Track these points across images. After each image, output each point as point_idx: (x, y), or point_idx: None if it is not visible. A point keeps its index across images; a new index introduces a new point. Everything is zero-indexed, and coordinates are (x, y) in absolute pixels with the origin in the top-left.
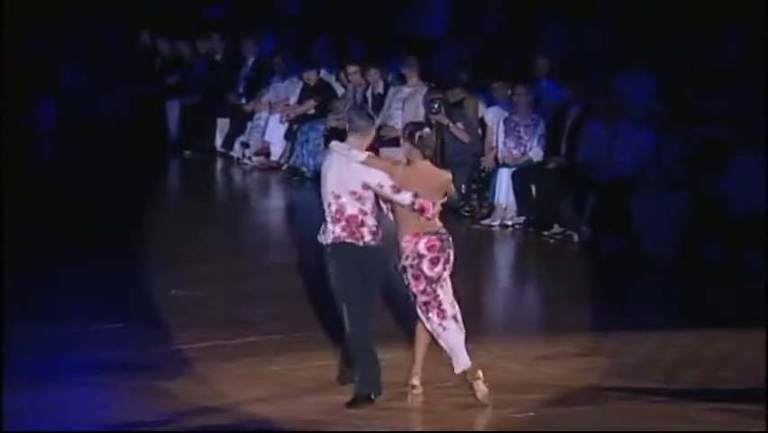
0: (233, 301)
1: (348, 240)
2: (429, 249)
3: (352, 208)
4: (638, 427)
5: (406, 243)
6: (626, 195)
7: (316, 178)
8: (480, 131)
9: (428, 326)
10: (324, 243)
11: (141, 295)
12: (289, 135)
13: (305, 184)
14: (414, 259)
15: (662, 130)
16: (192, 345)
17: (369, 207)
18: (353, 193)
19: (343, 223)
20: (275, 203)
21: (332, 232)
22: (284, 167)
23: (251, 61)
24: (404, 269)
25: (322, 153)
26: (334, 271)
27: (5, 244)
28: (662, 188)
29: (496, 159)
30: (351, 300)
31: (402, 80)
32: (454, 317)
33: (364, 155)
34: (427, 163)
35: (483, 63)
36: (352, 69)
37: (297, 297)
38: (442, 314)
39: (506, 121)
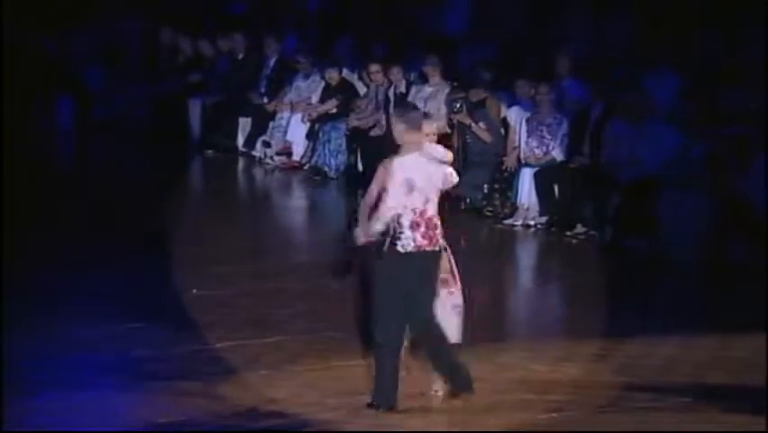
0: (256, 301)
1: (428, 248)
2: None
3: (432, 210)
4: (661, 428)
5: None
6: (650, 195)
7: (338, 177)
8: (502, 130)
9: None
10: (403, 251)
11: (162, 295)
12: (311, 135)
13: (327, 183)
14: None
15: (687, 129)
16: (215, 345)
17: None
18: (438, 192)
19: (423, 229)
20: (297, 202)
21: (412, 240)
22: (306, 166)
23: (272, 60)
24: None
25: (343, 153)
26: (390, 281)
27: (25, 243)
28: (687, 188)
29: (518, 158)
30: (390, 313)
31: (424, 79)
32: None
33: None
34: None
35: (506, 62)
36: (374, 67)
37: (319, 297)
38: None
39: (528, 120)
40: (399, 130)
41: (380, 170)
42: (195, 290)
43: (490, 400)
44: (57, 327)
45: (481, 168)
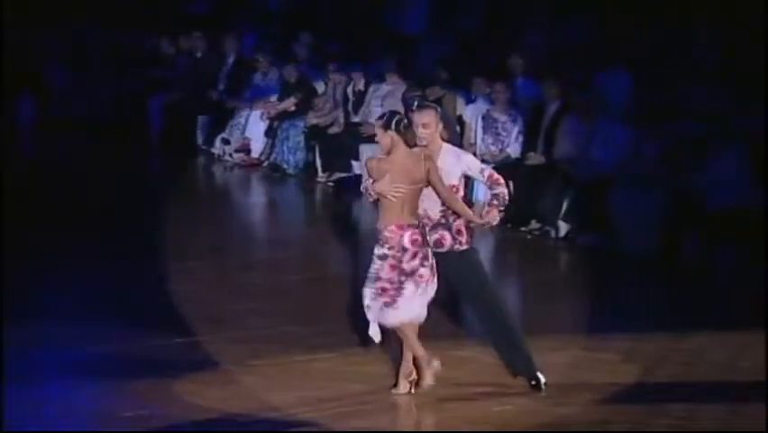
0: (217, 297)
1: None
2: (412, 243)
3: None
4: (613, 420)
5: (391, 233)
6: (604, 191)
7: (297, 174)
8: (458, 128)
9: (369, 303)
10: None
11: (122, 291)
12: (270, 132)
13: (286, 180)
14: (398, 251)
15: (641, 127)
16: (176, 340)
17: None
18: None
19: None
20: (256, 199)
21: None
22: (265, 164)
23: (231, 59)
24: (383, 256)
25: (302, 150)
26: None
27: None
28: (641, 185)
29: (474, 155)
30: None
31: (382, 78)
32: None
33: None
34: (408, 150)
35: (462, 61)
36: (332, 66)
37: (279, 293)
38: (392, 305)
39: (484, 118)
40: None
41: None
42: (158, 287)
43: (445, 393)
44: (18, 324)
45: None
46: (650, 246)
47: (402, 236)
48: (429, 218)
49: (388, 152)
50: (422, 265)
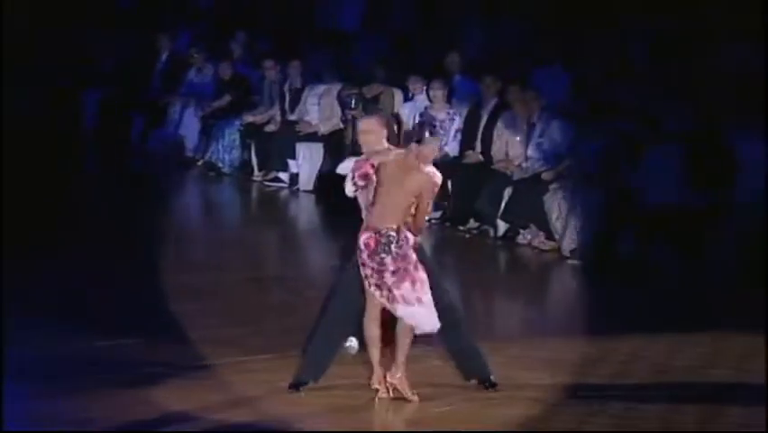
0: (151, 299)
1: None
2: (365, 245)
3: None
4: (551, 420)
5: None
6: (541, 189)
7: (232, 173)
8: (395, 127)
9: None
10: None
11: (51, 293)
12: (205, 130)
13: (221, 179)
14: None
15: (578, 124)
16: (109, 342)
17: None
18: None
19: None
20: (191, 199)
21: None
22: (199, 162)
23: (165, 55)
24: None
25: (237, 149)
26: None
27: None
28: (578, 183)
29: None
30: None
31: (318, 75)
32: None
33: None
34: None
35: (399, 58)
36: (268, 63)
37: (216, 294)
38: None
39: (421, 116)
40: None
41: None
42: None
43: (385, 394)
44: None
45: None
46: (586, 244)
47: (360, 236)
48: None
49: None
50: (372, 273)
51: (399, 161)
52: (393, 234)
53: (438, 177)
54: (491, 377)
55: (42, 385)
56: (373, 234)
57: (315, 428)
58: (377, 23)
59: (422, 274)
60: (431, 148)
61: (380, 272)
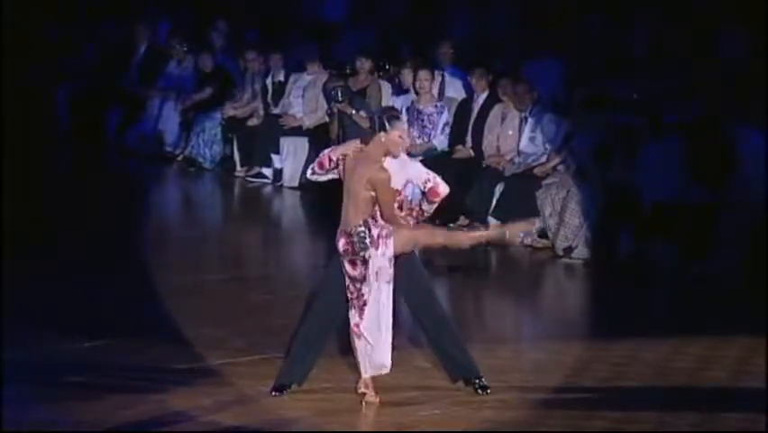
0: (125, 299)
1: None
2: (344, 252)
3: None
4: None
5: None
6: (534, 186)
7: (214, 168)
8: None
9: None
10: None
11: (30, 294)
12: (185, 125)
13: (202, 175)
14: (339, 255)
15: (572, 118)
16: (81, 345)
17: None
18: None
19: None
20: (171, 195)
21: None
22: (179, 158)
23: (143, 47)
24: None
25: (219, 143)
26: None
27: None
28: (572, 178)
29: None
30: None
31: (302, 67)
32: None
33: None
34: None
35: (386, 50)
36: (250, 55)
37: (192, 294)
38: (360, 315)
39: (408, 110)
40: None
41: None
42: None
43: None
44: None
45: None
46: (582, 243)
47: (338, 241)
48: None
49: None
50: (366, 271)
51: (359, 153)
52: (362, 228)
53: (385, 172)
54: (482, 379)
55: (7, 388)
56: (346, 238)
57: (300, 430)
58: (363, 12)
59: (386, 299)
60: (395, 134)
61: (359, 283)
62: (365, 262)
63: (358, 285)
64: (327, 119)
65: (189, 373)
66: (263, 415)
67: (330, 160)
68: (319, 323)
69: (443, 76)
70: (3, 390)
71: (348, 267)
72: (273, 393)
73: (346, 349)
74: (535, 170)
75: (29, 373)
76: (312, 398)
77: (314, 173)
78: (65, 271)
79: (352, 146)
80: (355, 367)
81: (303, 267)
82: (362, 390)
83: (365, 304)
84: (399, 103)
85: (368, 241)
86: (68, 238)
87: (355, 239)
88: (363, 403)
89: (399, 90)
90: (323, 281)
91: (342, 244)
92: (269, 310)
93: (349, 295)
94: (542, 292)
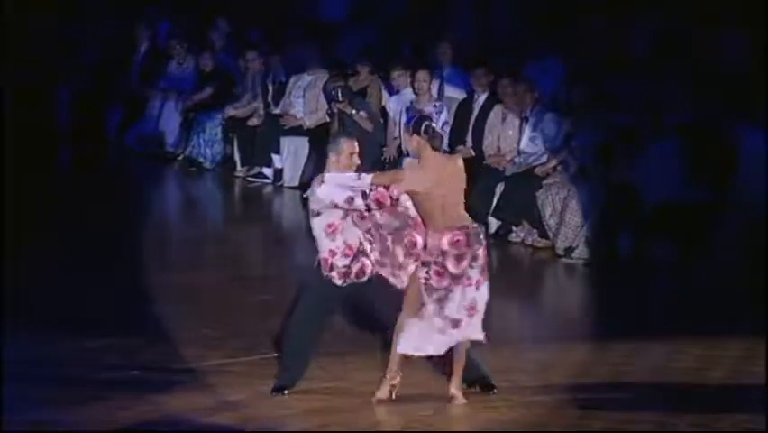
0: (125, 299)
1: None
2: (452, 245)
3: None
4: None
5: (430, 238)
6: (534, 185)
7: (214, 168)
8: (381, 120)
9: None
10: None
11: (30, 294)
12: (185, 125)
13: (202, 175)
14: (438, 256)
15: (572, 118)
16: (86, 344)
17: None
18: None
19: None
20: (172, 195)
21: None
22: (180, 157)
23: (144, 47)
24: (425, 264)
25: (219, 143)
26: None
27: None
28: (573, 178)
29: (399, 149)
30: None
31: (303, 67)
32: (450, 322)
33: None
34: (437, 155)
35: (386, 50)
36: (251, 55)
37: (192, 295)
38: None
39: (407, 110)
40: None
41: None
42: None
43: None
44: None
45: (363, 159)
46: (582, 243)
47: (441, 240)
48: (350, 248)
49: (418, 158)
50: (471, 267)
51: (415, 164)
52: (475, 224)
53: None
54: (491, 381)
55: (25, 388)
56: (453, 234)
57: (300, 430)
58: (363, 12)
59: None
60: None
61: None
62: (475, 256)
63: (455, 281)
64: (328, 119)
65: (189, 373)
66: (263, 415)
67: (391, 198)
68: (308, 322)
69: (443, 75)
70: (3, 390)
71: (450, 264)
72: (273, 393)
73: (346, 349)
74: (536, 170)
75: (29, 372)
76: (312, 398)
77: (367, 208)
78: (65, 270)
79: (407, 172)
80: (355, 367)
81: (302, 267)
82: (392, 382)
83: (479, 283)
84: (393, 104)
85: (482, 236)
86: (67, 238)
87: (472, 233)
88: (374, 401)
89: (391, 91)
90: (310, 280)
91: (447, 240)
92: (268, 310)
93: (439, 295)
94: (542, 292)
